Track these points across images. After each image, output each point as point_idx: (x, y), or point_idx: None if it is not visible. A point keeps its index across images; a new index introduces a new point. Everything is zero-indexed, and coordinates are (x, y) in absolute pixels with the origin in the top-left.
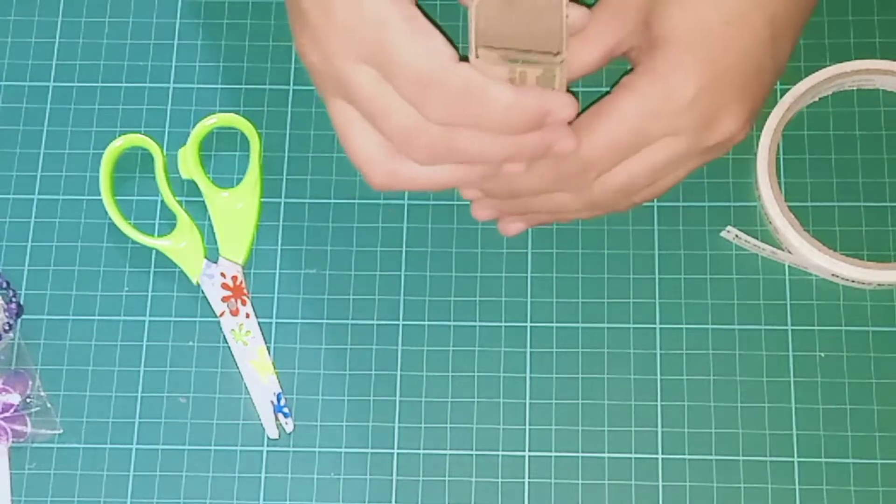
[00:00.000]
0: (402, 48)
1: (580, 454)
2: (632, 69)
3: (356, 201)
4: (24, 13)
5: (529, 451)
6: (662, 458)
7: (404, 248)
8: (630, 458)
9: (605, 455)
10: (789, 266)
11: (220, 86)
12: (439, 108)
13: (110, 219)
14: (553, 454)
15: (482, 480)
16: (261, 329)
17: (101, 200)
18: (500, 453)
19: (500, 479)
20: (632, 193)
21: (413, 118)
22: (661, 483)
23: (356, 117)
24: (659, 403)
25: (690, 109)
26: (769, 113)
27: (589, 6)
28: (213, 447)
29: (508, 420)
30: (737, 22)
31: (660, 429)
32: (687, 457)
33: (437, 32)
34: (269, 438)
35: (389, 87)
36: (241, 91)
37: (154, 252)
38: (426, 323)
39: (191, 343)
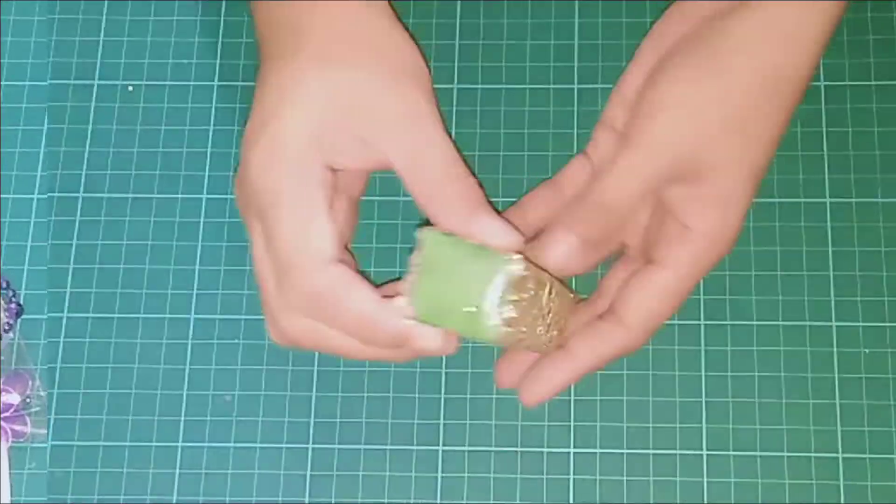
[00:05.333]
0: (280, 228)
1: (625, 451)
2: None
3: None
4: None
5: (574, 447)
6: (707, 455)
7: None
8: (675, 455)
9: (650, 451)
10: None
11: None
12: (297, 299)
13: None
14: (598, 451)
15: (526, 477)
16: None
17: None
18: (545, 450)
19: (545, 476)
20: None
21: (276, 299)
22: (705, 479)
23: None
24: (704, 400)
25: (733, 241)
26: None
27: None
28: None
29: (553, 417)
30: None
31: (704, 425)
32: (731, 453)
33: (322, 219)
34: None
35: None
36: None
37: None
38: None
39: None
